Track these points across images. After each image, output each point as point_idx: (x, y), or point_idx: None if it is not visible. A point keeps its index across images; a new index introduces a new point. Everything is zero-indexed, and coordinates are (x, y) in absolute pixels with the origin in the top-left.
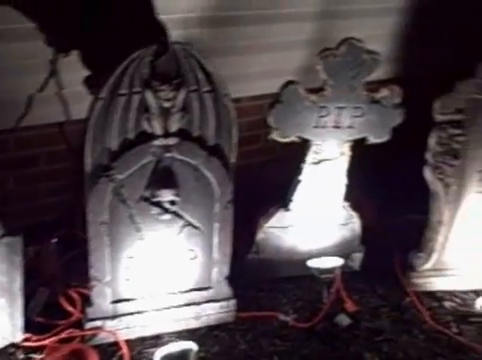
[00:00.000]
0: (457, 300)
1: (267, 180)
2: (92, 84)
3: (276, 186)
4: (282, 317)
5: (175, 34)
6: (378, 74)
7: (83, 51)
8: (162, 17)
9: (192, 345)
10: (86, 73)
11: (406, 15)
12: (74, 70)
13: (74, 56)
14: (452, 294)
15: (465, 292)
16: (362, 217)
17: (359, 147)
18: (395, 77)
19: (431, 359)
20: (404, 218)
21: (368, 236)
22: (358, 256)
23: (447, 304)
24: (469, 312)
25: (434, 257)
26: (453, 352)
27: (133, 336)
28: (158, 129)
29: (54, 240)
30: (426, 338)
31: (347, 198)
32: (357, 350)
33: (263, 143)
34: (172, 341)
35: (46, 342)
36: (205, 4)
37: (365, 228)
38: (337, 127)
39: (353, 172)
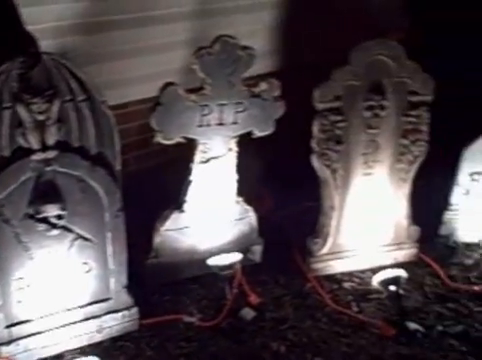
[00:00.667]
0: (356, 280)
1: (162, 183)
2: None
3: (172, 189)
4: (187, 319)
5: (46, 44)
6: (259, 68)
7: None
8: (30, 28)
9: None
10: None
11: (281, 8)
12: None
13: None
14: (351, 275)
15: (363, 271)
16: (258, 210)
17: (250, 141)
18: (277, 70)
19: (334, 340)
20: (300, 207)
21: (266, 228)
22: (258, 248)
23: (347, 285)
24: (367, 290)
25: (330, 241)
26: (355, 330)
27: (33, 359)
28: (35, 143)
29: None
30: (328, 320)
31: (241, 193)
32: (263, 341)
33: (155, 146)
34: (74, 358)
35: None
36: (76, 11)
37: (263, 220)
38: (221, 124)
39: (245, 166)
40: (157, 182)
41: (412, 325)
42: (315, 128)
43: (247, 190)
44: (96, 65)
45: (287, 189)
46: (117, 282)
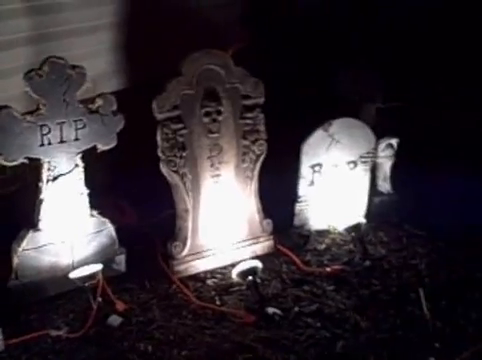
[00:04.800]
0: (218, 276)
1: (22, 207)
2: None
3: (31, 211)
4: (54, 332)
5: None
6: (104, 87)
7: None
8: None
9: None
10: None
11: (120, 29)
12: None
13: None
14: (213, 272)
15: (224, 267)
16: (120, 220)
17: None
18: (123, 88)
19: (199, 333)
20: (162, 214)
21: (129, 237)
22: (121, 258)
23: (210, 282)
24: (229, 284)
25: (189, 243)
26: (218, 322)
27: None
28: None
29: None
30: (193, 317)
31: (97, 205)
32: (130, 344)
33: (12, 171)
34: None
35: None
36: None
37: (125, 230)
38: (63, 142)
39: (99, 179)
40: (16, 207)
41: (270, 309)
42: (158, 137)
43: (105, 202)
44: None
45: (148, 198)
46: None
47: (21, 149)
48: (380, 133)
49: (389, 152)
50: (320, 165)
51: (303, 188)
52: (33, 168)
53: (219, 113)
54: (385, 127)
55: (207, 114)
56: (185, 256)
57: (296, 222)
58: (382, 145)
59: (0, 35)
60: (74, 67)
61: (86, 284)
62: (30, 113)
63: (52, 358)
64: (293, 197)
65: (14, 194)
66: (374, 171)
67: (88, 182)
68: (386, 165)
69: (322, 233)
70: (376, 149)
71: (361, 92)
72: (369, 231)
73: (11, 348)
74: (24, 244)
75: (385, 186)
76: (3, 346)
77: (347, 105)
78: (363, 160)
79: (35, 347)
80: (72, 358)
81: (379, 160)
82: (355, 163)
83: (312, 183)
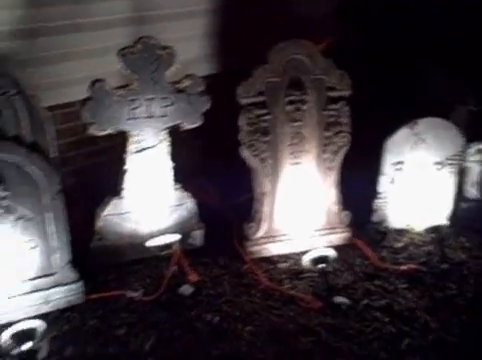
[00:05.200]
0: (291, 261)
1: (111, 176)
2: None
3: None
4: (130, 293)
5: None
6: (199, 71)
7: None
8: None
9: (38, 323)
10: None
11: (215, 16)
12: None
13: None
14: (287, 257)
15: (298, 254)
16: (202, 198)
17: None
18: (217, 72)
19: (265, 312)
20: (244, 197)
21: (210, 215)
22: (198, 233)
23: (282, 265)
24: (301, 270)
25: (264, 226)
26: (285, 304)
27: None
28: None
29: None
30: (262, 296)
31: (180, 180)
32: (198, 313)
33: (105, 143)
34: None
35: None
36: (16, 17)
37: (206, 208)
38: (150, 117)
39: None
40: (104, 176)
41: (338, 299)
42: (241, 121)
43: (191, 180)
44: (41, 67)
45: (232, 181)
46: (61, 258)
47: (110, 120)
48: (471, 137)
49: (479, 157)
50: (403, 163)
51: (384, 185)
52: (121, 140)
53: (303, 102)
54: (476, 131)
55: (291, 103)
56: (259, 238)
57: (374, 218)
58: (472, 149)
59: (98, 16)
60: (164, 48)
61: (163, 253)
62: (121, 88)
63: (125, 316)
64: (373, 193)
65: (104, 164)
66: (462, 175)
67: (177, 159)
68: (475, 170)
69: (400, 232)
70: (465, 152)
71: (454, 93)
72: (451, 235)
73: (90, 302)
74: (107, 210)
75: (472, 192)
76: (83, 299)
77: (439, 106)
78: (449, 162)
79: (111, 304)
80: (144, 319)
81: (468, 164)
82: (441, 164)
83: (393, 181)
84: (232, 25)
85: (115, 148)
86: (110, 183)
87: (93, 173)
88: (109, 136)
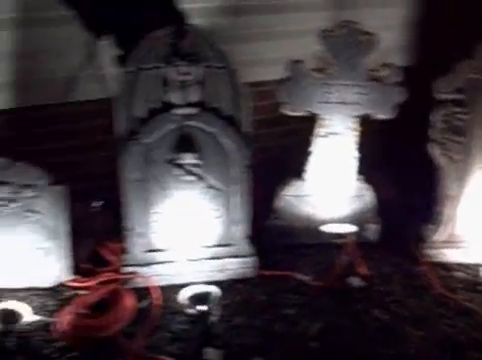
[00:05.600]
0: (468, 271)
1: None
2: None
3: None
4: (300, 276)
5: (198, 21)
6: (395, 61)
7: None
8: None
9: (215, 289)
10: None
11: (416, 6)
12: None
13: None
14: (464, 266)
15: (476, 265)
16: (380, 192)
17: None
18: (412, 64)
19: (436, 320)
20: (424, 194)
21: (387, 211)
22: (373, 227)
23: (458, 274)
24: (478, 282)
25: (444, 230)
26: (458, 314)
27: (163, 283)
28: (179, 100)
29: (100, 202)
30: (433, 302)
31: (365, 172)
32: (366, 307)
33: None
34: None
35: (90, 283)
36: None
37: (384, 203)
38: (342, 103)
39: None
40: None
41: None
42: (435, 117)
43: (369, 172)
44: (241, 44)
45: (414, 176)
46: (241, 231)
47: (304, 102)
48: None
49: None
50: None
51: None
52: (311, 123)
53: None
54: None
55: None
56: (437, 242)
57: None
58: None
59: None
60: (367, 34)
61: (337, 241)
62: (318, 70)
63: (291, 297)
64: None
65: (292, 145)
66: None
67: (363, 150)
68: None
69: None
70: None
71: None
72: None
73: (260, 278)
74: (287, 190)
75: None
76: (255, 273)
77: None
78: None
79: (280, 283)
80: (310, 303)
81: None
82: None
83: None
84: (435, 16)
85: (304, 131)
86: (295, 165)
87: (280, 153)
88: (300, 118)
